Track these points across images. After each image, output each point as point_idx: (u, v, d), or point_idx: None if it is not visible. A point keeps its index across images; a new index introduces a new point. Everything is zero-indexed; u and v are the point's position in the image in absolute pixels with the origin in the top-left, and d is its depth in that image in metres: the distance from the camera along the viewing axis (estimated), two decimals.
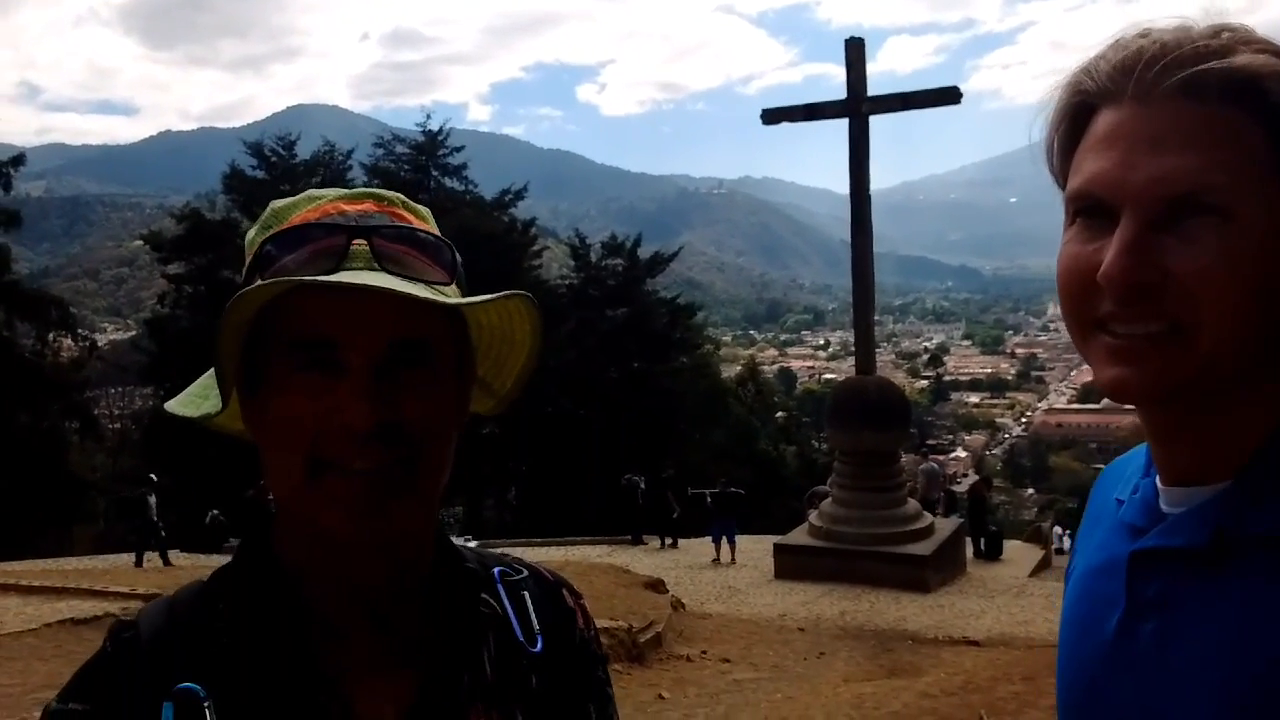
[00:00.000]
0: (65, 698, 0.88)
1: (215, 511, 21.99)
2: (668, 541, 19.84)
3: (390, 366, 0.85)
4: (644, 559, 17.82)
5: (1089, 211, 0.84)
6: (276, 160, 36.02)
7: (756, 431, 40.99)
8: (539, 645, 0.99)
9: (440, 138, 37.66)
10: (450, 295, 0.90)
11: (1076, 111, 0.87)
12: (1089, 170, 0.84)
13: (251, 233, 0.94)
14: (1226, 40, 0.81)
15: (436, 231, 0.95)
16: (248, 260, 0.92)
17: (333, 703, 0.88)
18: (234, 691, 0.86)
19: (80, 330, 33.87)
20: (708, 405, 37.13)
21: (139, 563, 17.70)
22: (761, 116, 16.50)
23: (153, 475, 19.24)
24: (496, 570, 1.04)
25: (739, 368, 56.48)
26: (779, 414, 50.13)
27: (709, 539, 18.33)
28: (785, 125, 16.87)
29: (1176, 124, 0.80)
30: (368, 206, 0.92)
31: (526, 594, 1.03)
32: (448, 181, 37.67)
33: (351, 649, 0.91)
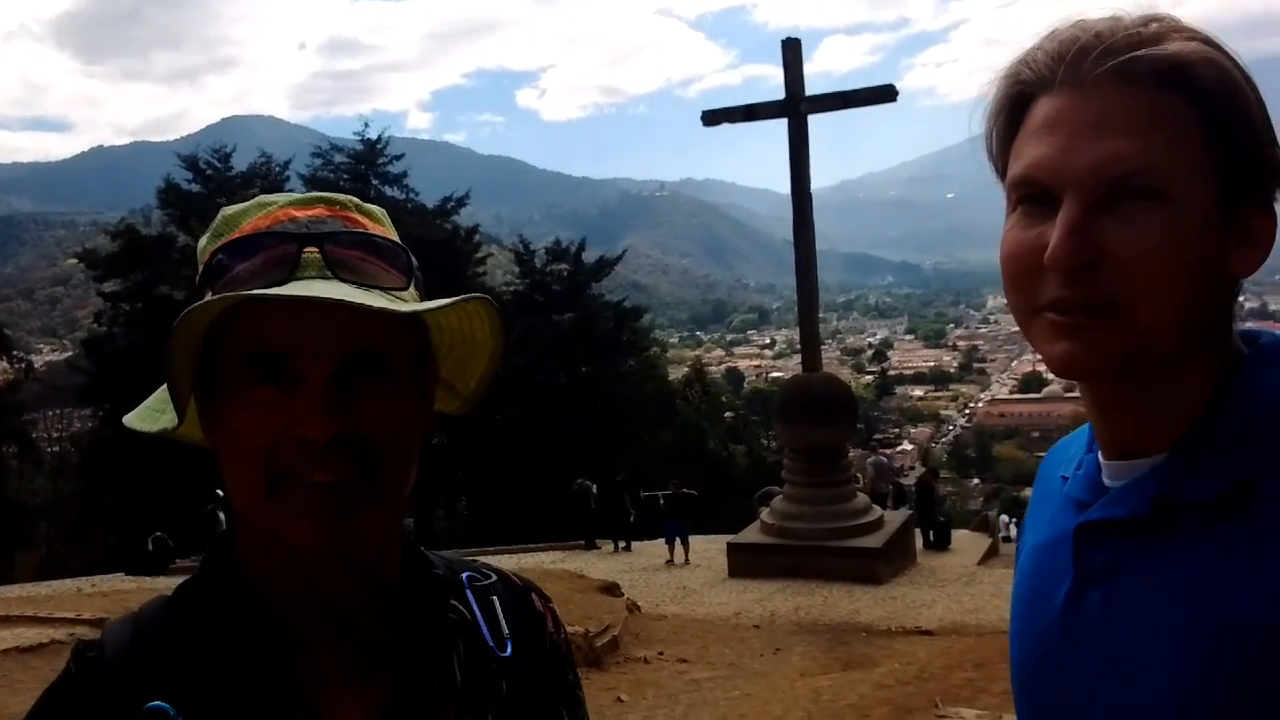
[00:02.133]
0: None
1: (159, 534, 21.52)
2: (621, 545, 19.83)
3: (347, 376, 0.84)
4: (598, 563, 17.80)
5: (1031, 198, 0.87)
6: (212, 173, 35.39)
7: (705, 432, 41.09)
8: (509, 650, 0.98)
9: (380, 146, 37.30)
10: (407, 300, 0.89)
11: (1015, 101, 0.90)
12: (1030, 156, 0.86)
13: (203, 241, 0.93)
14: (1157, 29, 0.84)
15: (392, 234, 0.93)
16: (199, 270, 0.91)
17: (304, 714, 0.87)
18: (204, 708, 0.85)
19: (15, 352, 33.11)
20: (656, 407, 37.16)
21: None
22: (702, 118, 16.59)
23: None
24: (465, 575, 1.03)
25: (686, 369, 56.62)
26: (727, 414, 50.32)
27: (662, 541, 18.35)
28: (726, 126, 16.96)
29: (1113, 109, 0.83)
30: (319, 211, 0.91)
31: (496, 599, 1.02)
32: (388, 190, 37.26)
33: (320, 659, 0.90)
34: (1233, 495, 0.83)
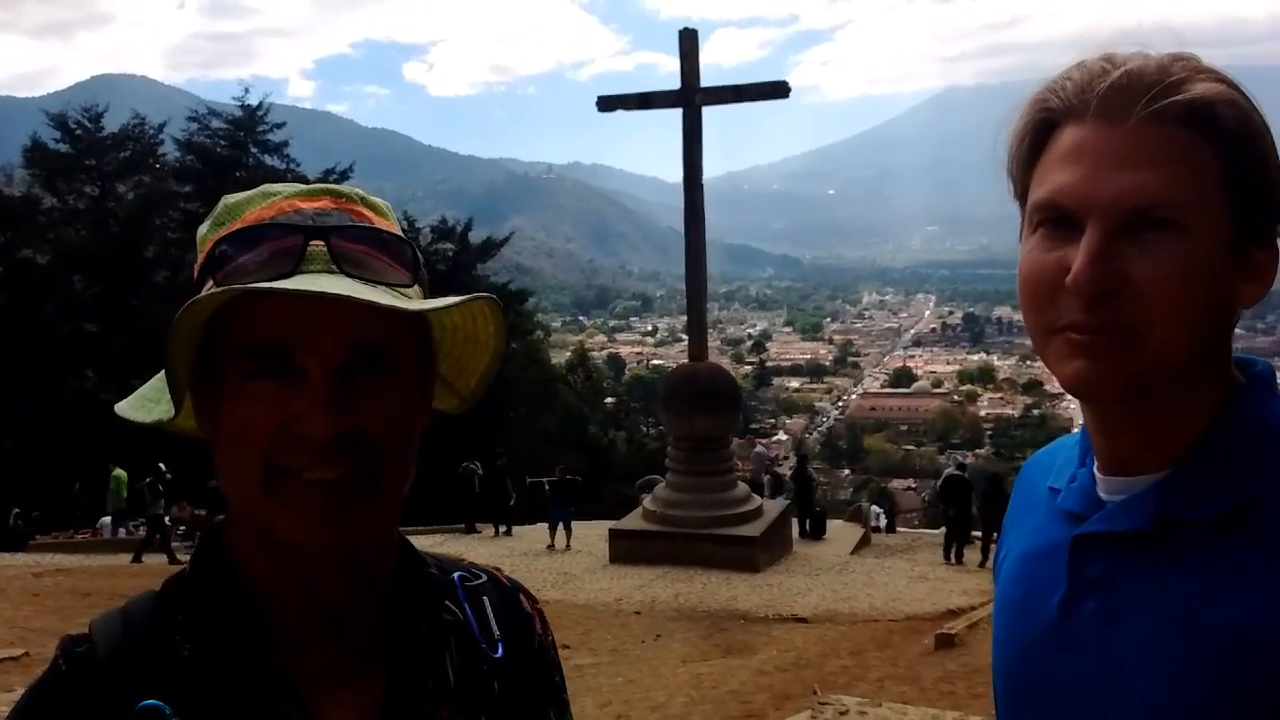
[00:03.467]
0: (18, 718, 0.83)
1: (17, 510, 20.63)
2: (502, 529, 19.74)
3: (350, 373, 0.83)
4: (478, 547, 17.68)
5: (1053, 221, 0.90)
6: (82, 133, 33.51)
7: (586, 417, 41.19)
8: (500, 651, 0.98)
9: (260, 113, 35.97)
10: (412, 296, 0.88)
11: (1040, 127, 0.92)
12: (1055, 182, 0.89)
13: (204, 228, 0.91)
14: (1182, 68, 0.88)
15: (396, 228, 0.92)
16: (200, 259, 0.89)
17: (298, 713, 0.86)
18: (198, 706, 0.83)
19: None
20: (538, 391, 37.06)
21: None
22: (597, 104, 16.56)
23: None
24: (456, 576, 1.02)
25: (569, 354, 56.64)
26: (608, 400, 50.53)
27: (542, 525, 18.33)
28: (617, 113, 16.95)
29: (1139, 143, 0.86)
30: (324, 203, 0.89)
31: (486, 600, 1.02)
32: (268, 159, 36.01)
33: (313, 658, 0.89)
34: (1234, 514, 0.87)
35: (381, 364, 0.85)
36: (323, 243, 0.85)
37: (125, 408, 0.91)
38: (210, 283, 0.85)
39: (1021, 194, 0.94)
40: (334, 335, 0.82)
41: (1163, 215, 0.85)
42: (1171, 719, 0.86)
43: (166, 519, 17.61)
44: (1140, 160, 0.85)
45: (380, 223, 0.91)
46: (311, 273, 0.83)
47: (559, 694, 1.05)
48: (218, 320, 0.83)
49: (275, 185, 0.92)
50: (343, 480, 0.82)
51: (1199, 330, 0.87)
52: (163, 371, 0.84)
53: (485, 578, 1.05)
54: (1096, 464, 0.98)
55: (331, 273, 0.84)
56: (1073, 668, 0.94)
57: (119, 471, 19.94)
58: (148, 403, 0.90)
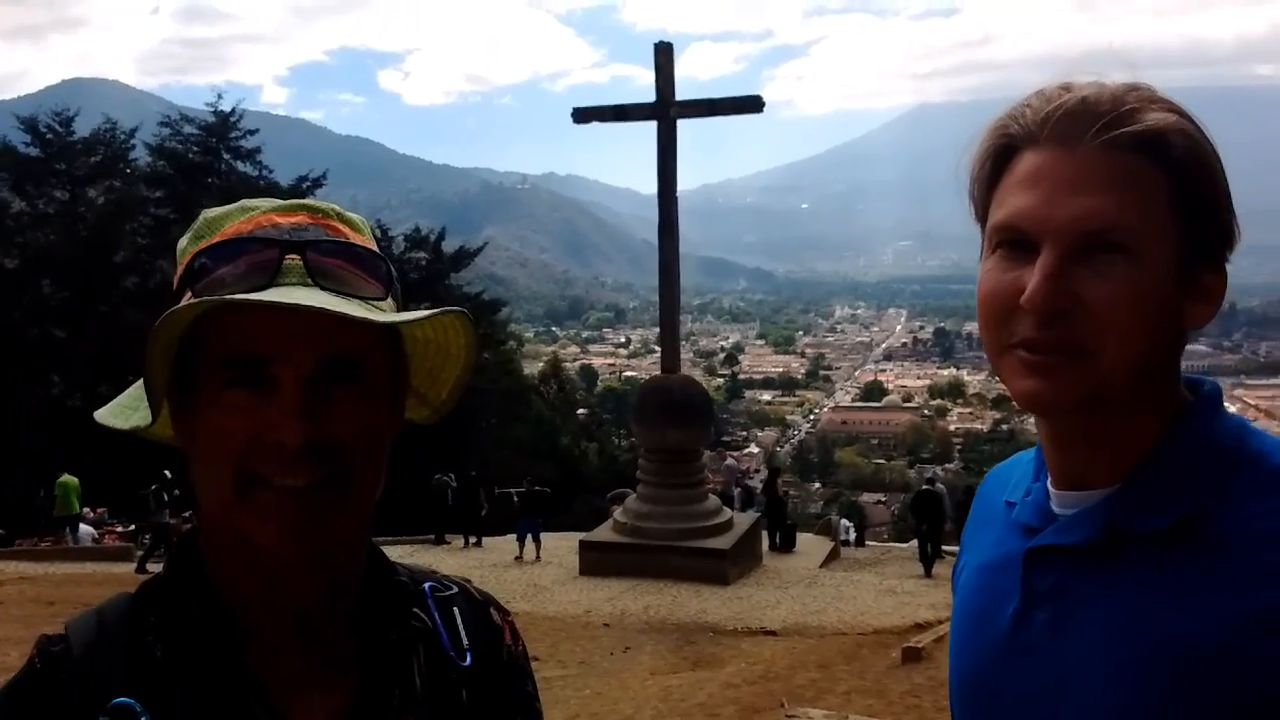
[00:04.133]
0: None
1: None
2: (472, 540, 19.65)
3: (322, 383, 0.85)
4: (448, 559, 17.58)
5: (1011, 243, 0.93)
6: (52, 137, 33.14)
7: (559, 429, 41.13)
8: (468, 660, 1.00)
9: (233, 119, 35.70)
10: (385, 309, 0.91)
11: (1000, 152, 0.96)
12: (1013, 205, 0.93)
13: (183, 241, 0.93)
14: (1136, 98, 0.91)
15: (372, 243, 0.95)
16: (179, 271, 0.91)
17: (267, 714, 0.87)
18: (169, 705, 0.85)
19: None
20: (510, 402, 36.97)
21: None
22: (572, 115, 16.61)
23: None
24: (427, 586, 1.04)
25: (541, 364, 56.50)
26: (581, 411, 50.49)
27: (510, 537, 18.26)
28: (592, 125, 17.03)
29: (1093, 169, 0.89)
30: (301, 219, 0.92)
31: (457, 610, 1.03)
32: (240, 165, 35.79)
33: (283, 662, 0.91)
34: (1180, 528, 0.90)
35: (353, 375, 0.87)
36: (298, 256, 0.87)
37: (104, 414, 0.93)
38: (189, 294, 0.88)
39: (982, 216, 0.98)
40: (307, 346, 0.85)
41: (1114, 239, 0.88)
42: None
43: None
44: (1094, 186, 0.89)
45: (355, 238, 0.93)
46: (287, 285, 0.86)
47: (531, 703, 1.07)
48: (195, 331, 0.85)
49: (254, 200, 0.94)
50: (313, 488, 0.85)
51: (1148, 350, 0.91)
52: (141, 380, 0.87)
53: (456, 589, 1.06)
54: (1050, 479, 1.01)
55: (306, 285, 0.86)
56: (1026, 677, 0.97)
57: (67, 478, 19.60)
58: (126, 410, 0.92)
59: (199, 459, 0.87)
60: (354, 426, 0.87)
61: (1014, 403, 0.95)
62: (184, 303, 0.84)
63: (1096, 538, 0.94)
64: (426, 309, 0.90)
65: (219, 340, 0.85)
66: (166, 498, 16.95)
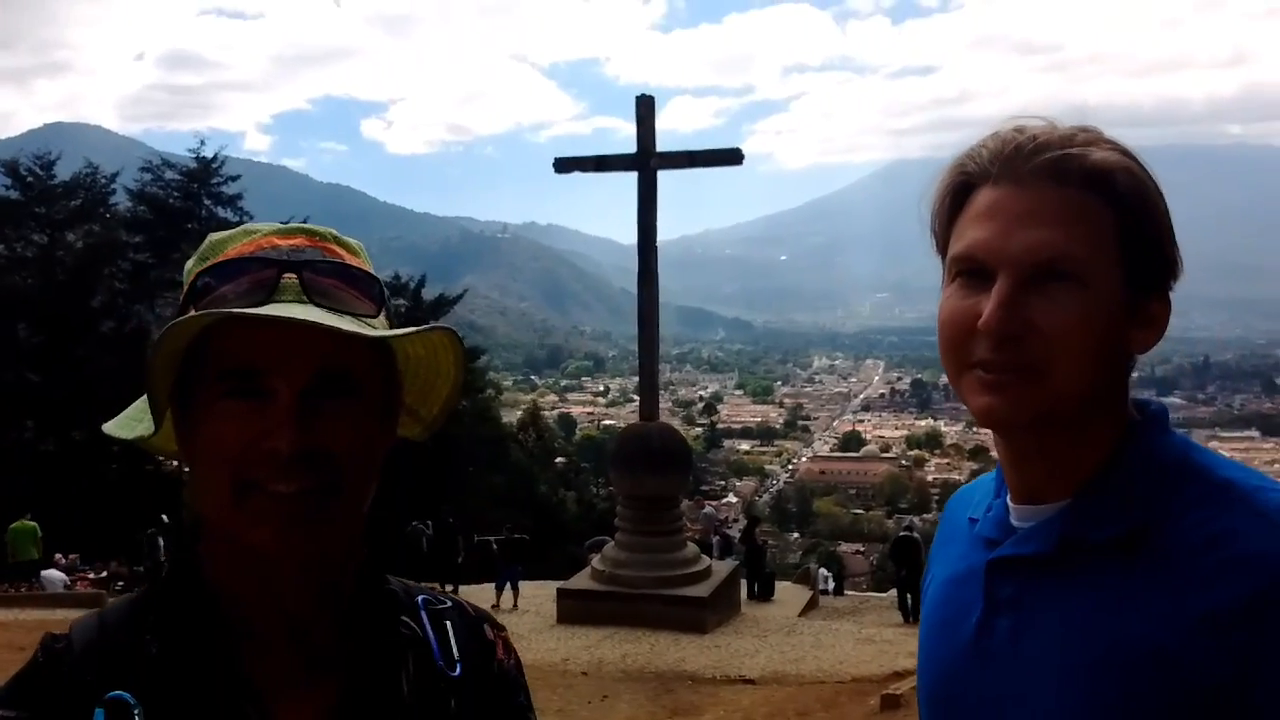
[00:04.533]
0: None
1: None
2: (448, 588, 19.48)
3: (315, 395, 0.90)
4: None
5: (969, 273, 1.01)
6: (33, 180, 33.08)
7: (536, 477, 40.89)
8: (458, 670, 1.03)
9: (215, 165, 35.72)
10: (377, 327, 0.95)
11: (959, 189, 1.04)
12: (971, 237, 1.01)
13: (190, 263, 0.98)
14: (1084, 139, 1.00)
15: (367, 265, 1.00)
16: (184, 289, 0.96)
17: (257, 713, 0.91)
18: (162, 701, 0.89)
19: None
20: (488, 450, 36.79)
21: None
22: (554, 165, 16.75)
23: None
24: (420, 598, 1.08)
25: (520, 413, 56.32)
26: (559, 459, 50.24)
27: (488, 585, 18.11)
28: (574, 175, 17.17)
29: (1044, 203, 0.98)
30: (299, 241, 0.97)
31: (449, 623, 1.07)
32: (221, 211, 35.66)
33: (275, 662, 0.95)
34: (1128, 538, 0.98)
35: (345, 388, 0.92)
36: (295, 276, 0.93)
37: (112, 426, 0.98)
38: (192, 311, 0.92)
39: (943, 248, 1.06)
40: (301, 360, 0.90)
41: (1064, 269, 0.96)
42: None
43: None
44: (1044, 219, 0.97)
45: (351, 259, 0.99)
46: (284, 302, 0.91)
47: (524, 714, 1.10)
48: (197, 345, 0.90)
49: (257, 224, 1.00)
50: (304, 494, 0.89)
51: (1096, 371, 0.98)
52: (145, 394, 0.92)
53: (450, 604, 1.11)
54: (1009, 494, 1.09)
55: (302, 302, 0.91)
56: (990, 681, 1.04)
57: (21, 523, 19.27)
58: (131, 421, 0.97)
59: (199, 467, 0.92)
60: (345, 437, 0.91)
61: (973, 418, 1.02)
62: (184, 317, 0.89)
63: (1052, 548, 1.01)
64: (416, 327, 0.95)
65: (218, 353, 0.90)
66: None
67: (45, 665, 0.92)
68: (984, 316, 0.97)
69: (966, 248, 1.01)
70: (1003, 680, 1.03)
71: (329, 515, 0.91)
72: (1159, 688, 0.91)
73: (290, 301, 0.91)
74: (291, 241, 0.97)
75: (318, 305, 0.92)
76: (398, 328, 1.00)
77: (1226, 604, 0.89)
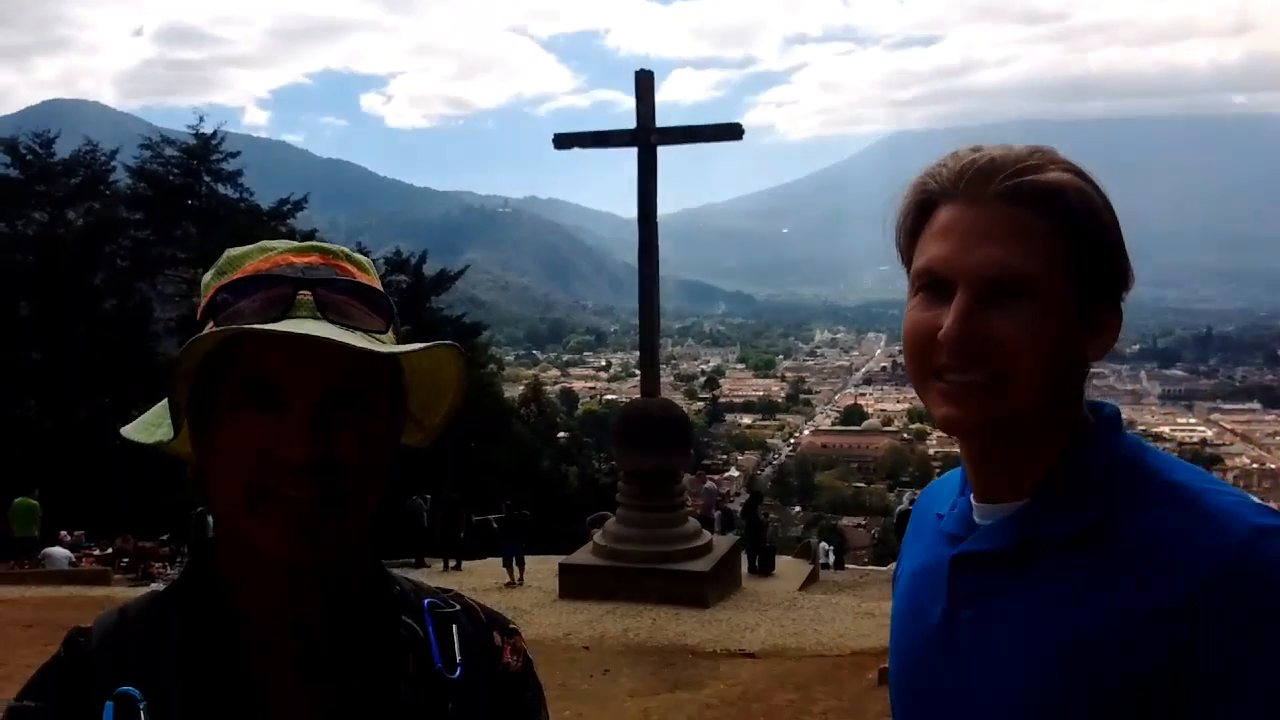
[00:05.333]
0: (23, 696, 0.95)
1: None
2: (452, 564, 19.61)
3: (327, 407, 0.95)
4: (428, 582, 17.46)
5: (930, 286, 1.06)
6: (32, 158, 33.04)
7: (539, 452, 41.05)
8: (458, 673, 1.07)
9: (214, 141, 35.63)
10: (386, 342, 1.01)
11: (921, 206, 1.09)
12: (931, 253, 1.06)
13: (208, 276, 1.03)
14: (1038, 159, 1.05)
15: (376, 282, 1.05)
16: (203, 303, 1.01)
17: (260, 710, 0.96)
18: (170, 696, 0.94)
19: None
20: (490, 425, 36.88)
21: None
22: (554, 141, 16.70)
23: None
24: (427, 601, 1.12)
25: (522, 388, 56.45)
26: (561, 434, 50.42)
27: (492, 559, 18.24)
28: (573, 149, 17.14)
29: (999, 222, 1.03)
30: (314, 259, 1.02)
31: (455, 626, 1.11)
32: (221, 188, 35.69)
33: (280, 661, 0.99)
34: (1082, 535, 1.03)
35: (356, 400, 0.97)
36: (310, 293, 0.98)
37: (130, 430, 1.02)
38: (211, 324, 0.98)
39: (907, 262, 1.11)
40: (314, 373, 0.94)
41: (1018, 283, 1.02)
42: (1035, 712, 1.01)
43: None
44: (1000, 236, 1.02)
45: (362, 277, 1.04)
46: (299, 318, 0.95)
47: (533, 711, 1.15)
48: (215, 357, 0.95)
49: (272, 241, 1.05)
50: (315, 501, 0.94)
51: (1051, 378, 1.03)
52: (165, 400, 0.97)
53: (459, 607, 1.14)
54: (972, 493, 1.14)
55: (316, 319, 0.96)
56: (954, 671, 1.09)
57: (21, 500, 19.41)
58: (150, 427, 1.02)
59: (215, 474, 0.97)
60: (355, 448, 0.96)
61: (937, 425, 1.07)
62: (205, 332, 0.94)
63: (1012, 544, 1.07)
64: (423, 343, 0.99)
65: (236, 365, 0.94)
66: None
67: (65, 659, 0.98)
68: (944, 329, 1.03)
69: (928, 263, 1.06)
70: (966, 670, 1.08)
71: (338, 522, 0.96)
72: (1109, 675, 0.96)
73: (305, 317, 0.96)
74: (306, 259, 1.02)
75: (331, 321, 0.96)
76: (403, 339, 1.06)
77: (1173, 600, 0.95)
